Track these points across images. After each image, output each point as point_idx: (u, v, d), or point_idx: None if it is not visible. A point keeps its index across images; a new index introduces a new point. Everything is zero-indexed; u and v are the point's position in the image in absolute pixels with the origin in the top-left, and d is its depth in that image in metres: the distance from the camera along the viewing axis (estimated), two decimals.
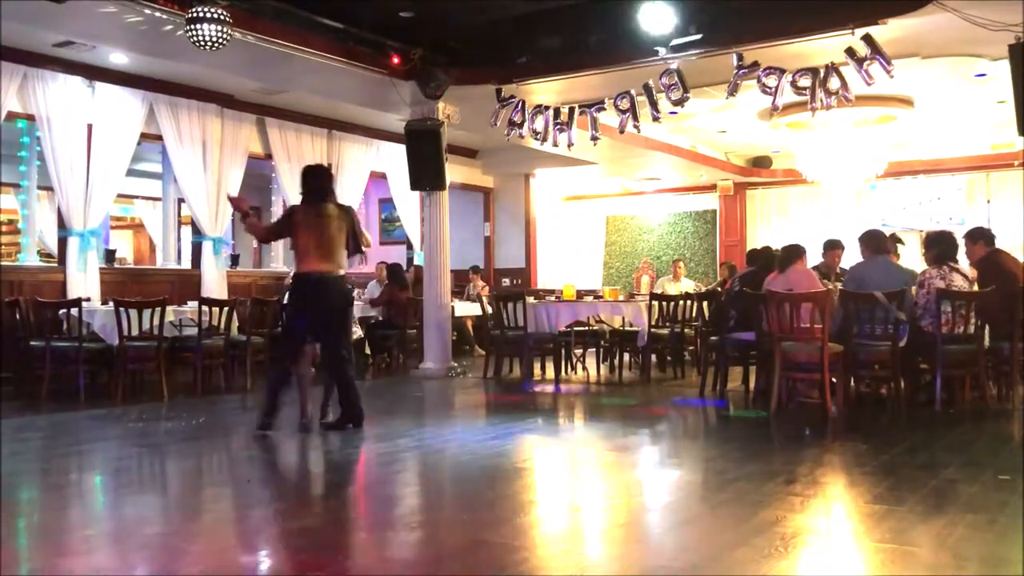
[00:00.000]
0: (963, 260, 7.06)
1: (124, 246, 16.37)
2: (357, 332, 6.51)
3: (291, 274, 6.19)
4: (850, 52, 7.17)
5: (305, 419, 5.91)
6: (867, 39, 7.06)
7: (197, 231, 10.31)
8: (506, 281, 14.52)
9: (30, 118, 8.71)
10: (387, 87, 9.00)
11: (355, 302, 10.10)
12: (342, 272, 5.83)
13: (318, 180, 5.91)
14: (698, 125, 11.75)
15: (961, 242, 7.08)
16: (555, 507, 4.16)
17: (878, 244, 7.18)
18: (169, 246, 11.09)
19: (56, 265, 9.19)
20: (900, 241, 9.11)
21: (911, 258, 11.68)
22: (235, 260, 11.10)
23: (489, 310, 9.87)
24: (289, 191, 11.26)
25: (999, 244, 7.27)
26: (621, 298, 9.77)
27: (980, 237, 7.11)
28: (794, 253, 7.09)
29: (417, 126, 9.41)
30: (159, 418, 6.82)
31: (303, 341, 5.88)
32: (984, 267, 6.88)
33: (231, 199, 6.19)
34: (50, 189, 9.51)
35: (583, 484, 4.72)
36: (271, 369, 6.61)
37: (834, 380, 6.50)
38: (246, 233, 6.15)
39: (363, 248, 6.09)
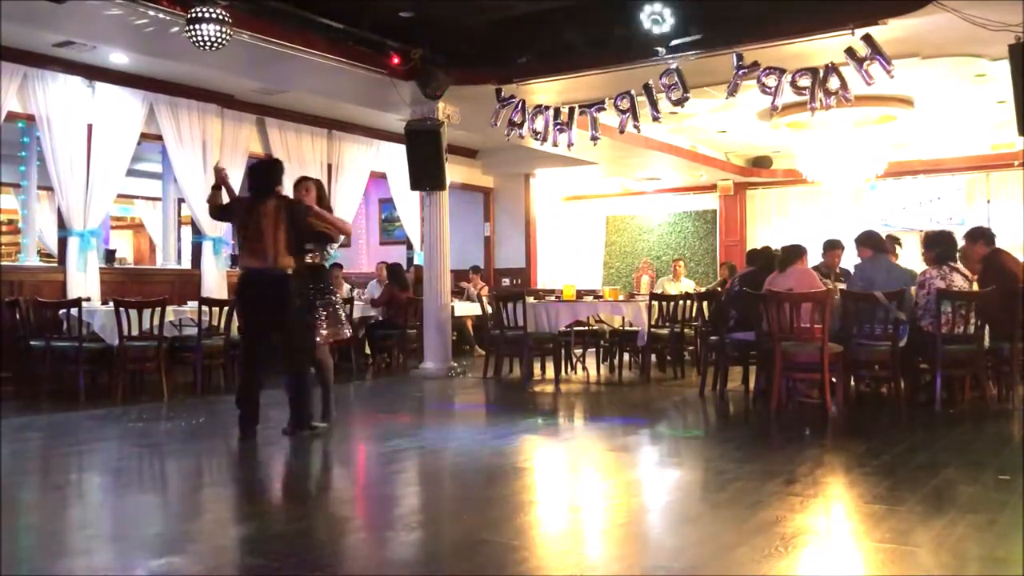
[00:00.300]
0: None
1: (124, 246, 16.37)
2: (339, 331, 6.28)
3: None
4: (850, 52, 7.18)
5: (291, 423, 5.73)
6: (867, 39, 7.06)
7: (197, 231, 10.30)
8: (506, 281, 14.52)
9: (30, 118, 8.71)
10: (387, 87, 9.00)
11: (355, 302, 10.19)
12: (282, 268, 5.60)
13: (258, 176, 5.84)
14: (698, 125, 11.75)
15: (961, 242, 7.08)
16: (555, 507, 4.16)
17: (878, 243, 7.19)
18: (169, 246, 11.08)
19: (56, 265, 9.18)
20: (897, 241, 9.09)
21: (911, 258, 11.68)
22: (235, 260, 11.08)
23: (489, 310, 9.87)
24: (289, 191, 11.26)
25: (999, 244, 7.26)
26: (621, 298, 9.77)
27: (980, 237, 7.11)
28: (794, 253, 7.09)
29: (417, 126, 9.41)
30: (159, 418, 6.82)
31: (250, 341, 5.74)
32: (985, 267, 6.88)
33: (217, 168, 6.08)
34: (50, 189, 9.50)
35: (583, 484, 4.73)
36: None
37: (834, 380, 6.50)
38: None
39: (319, 243, 5.91)
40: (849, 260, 8.39)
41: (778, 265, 7.18)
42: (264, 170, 5.91)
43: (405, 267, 11.88)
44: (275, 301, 5.58)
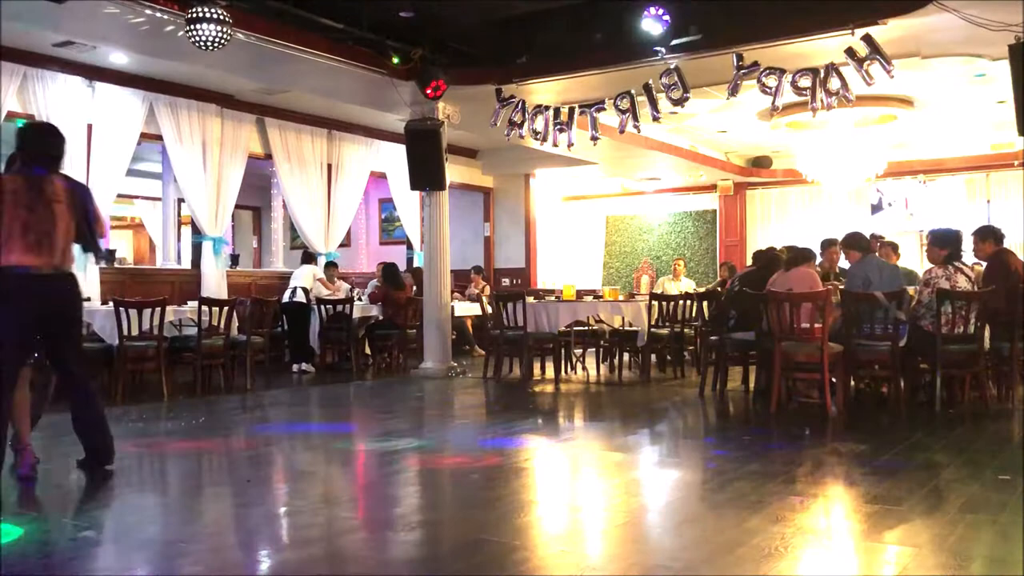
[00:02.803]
0: (969, 257, 7.04)
1: (124, 246, 16.37)
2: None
3: None
4: (850, 52, 7.18)
5: (26, 462, 4.40)
6: (867, 39, 7.06)
7: (197, 231, 10.31)
8: (506, 281, 14.52)
9: (30, 118, 8.71)
10: (387, 87, 9.00)
11: (356, 301, 10.19)
12: (68, 269, 4.49)
13: (43, 142, 4.46)
14: (698, 125, 11.75)
15: (969, 240, 7.07)
16: (555, 507, 4.16)
17: (864, 244, 7.17)
18: (169, 246, 11.09)
19: None
20: (880, 239, 9.03)
21: (911, 258, 11.68)
22: (235, 260, 11.10)
23: (489, 310, 9.88)
24: (289, 191, 11.29)
25: None
26: (621, 298, 9.77)
27: (990, 235, 7.10)
28: (803, 256, 7.07)
29: (417, 126, 9.42)
30: (159, 418, 6.82)
31: (14, 359, 4.28)
32: (990, 265, 6.88)
33: None
34: None
35: (583, 484, 4.73)
36: None
37: (834, 380, 6.49)
38: None
39: (99, 240, 4.74)
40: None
41: (784, 265, 7.17)
42: (49, 134, 4.52)
43: (405, 267, 11.86)
44: (59, 308, 4.42)
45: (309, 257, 10.79)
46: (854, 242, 7.16)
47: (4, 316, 4.22)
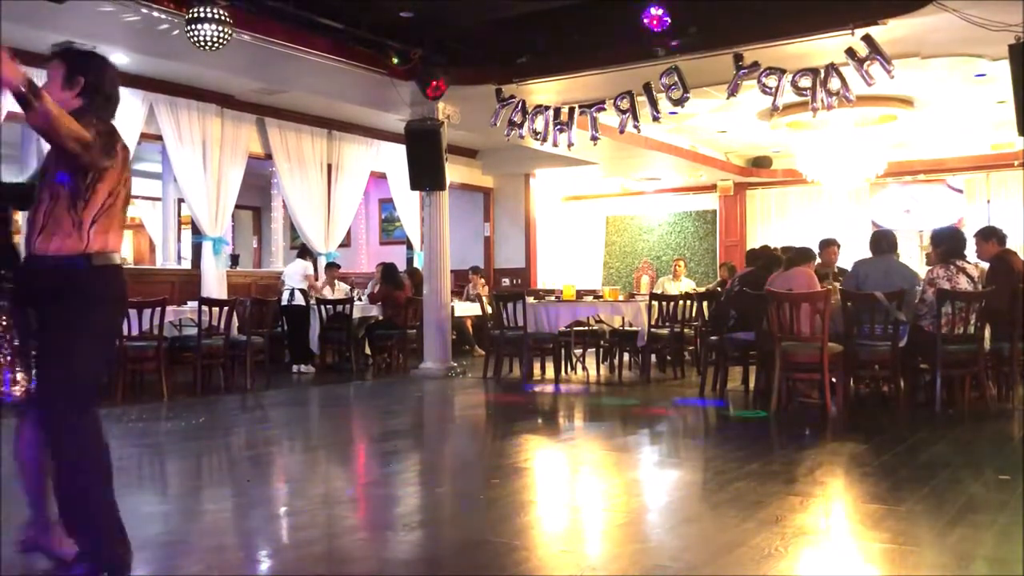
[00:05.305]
0: (972, 257, 7.03)
1: (124, 246, 16.37)
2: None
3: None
4: (850, 52, 7.18)
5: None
6: (867, 39, 7.06)
7: (197, 231, 10.30)
8: (506, 281, 14.52)
9: None
10: (387, 87, 9.00)
11: (356, 302, 10.18)
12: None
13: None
14: (698, 125, 11.75)
15: (972, 241, 7.07)
16: (555, 507, 4.16)
17: (878, 244, 7.16)
18: (169, 246, 11.09)
19: None
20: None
21: (911, 258, 11.67)
22: (235, 260, 11.10)
23: (489, 310, 9.87)
24: (289, 191, 11.28)
25: None
26: (621, 298, 9.77)
27: (992, 235, 7.09)
28: (803, 256, 7.06)
29: (417, 126, 9.42)
30: (159, 418, 6.82)
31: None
32: (993, 266, 6.88)
33: None
34: None
35: (583, 484, 4.72)
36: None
37: (834, 380, 6.49)
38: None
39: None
40: (849, 259, 8.37)
41: (785, 265, 7.16)
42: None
43: (405, 267, 11.84)
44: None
45: (304, 252, 10.74)
46: (873, 239, 7.13)
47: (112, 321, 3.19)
